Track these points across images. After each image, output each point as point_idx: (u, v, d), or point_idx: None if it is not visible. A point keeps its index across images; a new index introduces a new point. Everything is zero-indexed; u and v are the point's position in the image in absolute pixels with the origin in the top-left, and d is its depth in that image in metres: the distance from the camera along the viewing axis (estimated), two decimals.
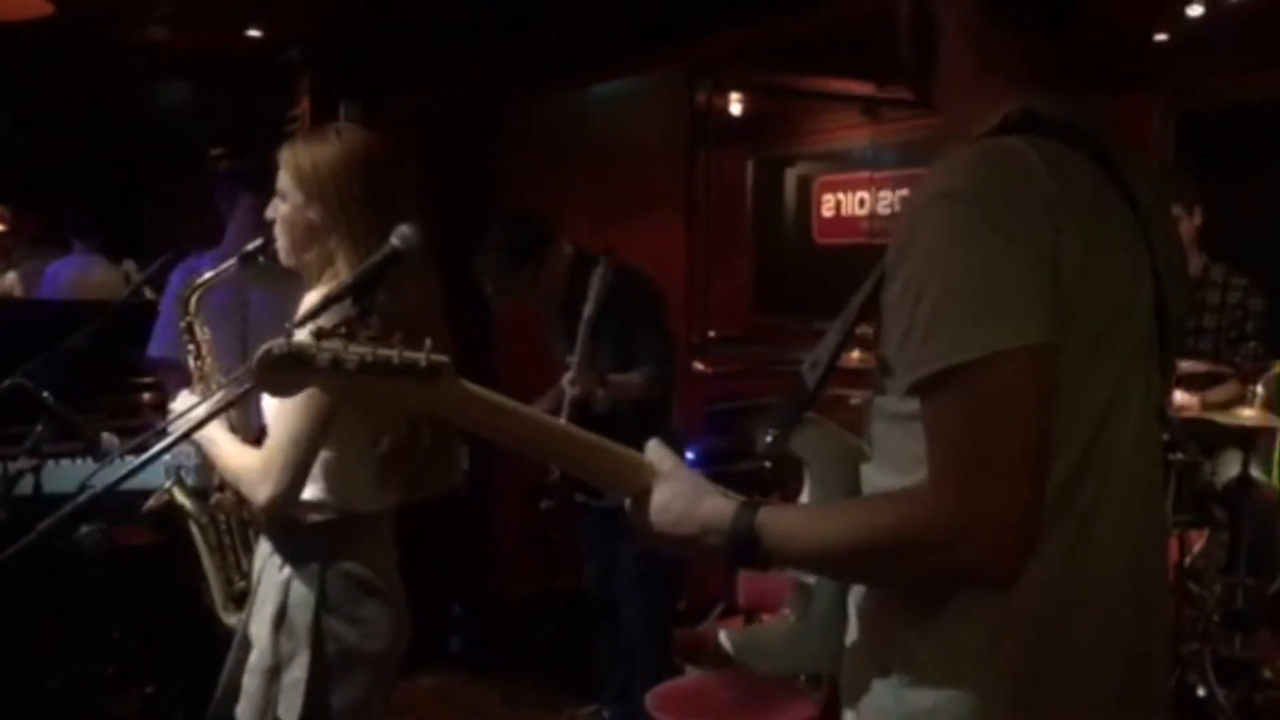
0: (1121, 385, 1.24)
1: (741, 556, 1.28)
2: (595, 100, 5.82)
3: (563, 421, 1.41)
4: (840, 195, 7.62)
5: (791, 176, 7.98)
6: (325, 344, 1.25)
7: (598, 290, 3.69)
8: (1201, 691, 3.56)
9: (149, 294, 4.17)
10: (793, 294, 7.46)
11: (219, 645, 3.79)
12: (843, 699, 1.38)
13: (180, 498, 2.52)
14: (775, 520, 1.27)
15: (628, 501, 1.39)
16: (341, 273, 2.11)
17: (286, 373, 1.24)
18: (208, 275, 2.52)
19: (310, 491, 2.13)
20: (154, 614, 3.91)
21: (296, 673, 2.17)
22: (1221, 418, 3.71)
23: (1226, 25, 4.73)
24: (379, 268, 1.74)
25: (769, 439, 1.41)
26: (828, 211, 7.74)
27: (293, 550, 2.20)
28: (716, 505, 1.31)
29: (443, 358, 1.25)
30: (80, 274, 5.53)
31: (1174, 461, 3.77)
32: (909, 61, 1.41)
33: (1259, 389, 3.78)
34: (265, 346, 1.24)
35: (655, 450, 1.39)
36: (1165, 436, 3.79)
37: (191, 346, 2.54)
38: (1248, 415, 3.64)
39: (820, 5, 4.29)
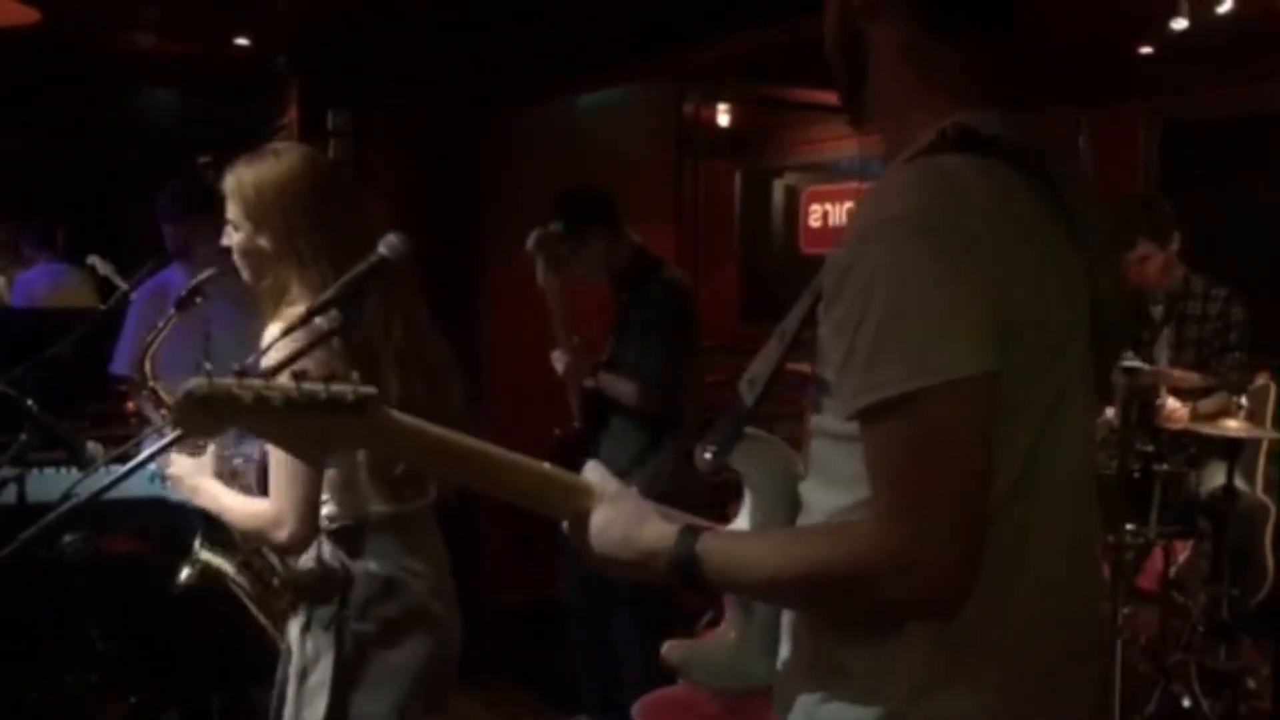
0: (1057, 409, 1.22)
1: (684, 582, 1.27)
2: (584, 110, 5.83)
3: (495, 447, 1.37)
4: (827, 206, 7.63)
5: (779, 187, 8.00)
6: (247, 382, 1.22)
7: (654, 295, 3.70)
8: (1187, 702, 3.57)
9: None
10: (780, 304, 7.37)
11: (202, 654, 3.78)
12: (776, 711, 1.38)
13: (212, 560, 2.40)
14: (716, 547, 1.26)
15: (564, 524, 1.38)
16: (297, 300, 2.08)
17: (209, 414, 1.21)
18: (154, 334, 2.47)
19: (323, 509, 2.14)
20: (137, 623, 3.90)
21: (320, 674, 2.17)
22: (1207, 428, 3.72)
23: (1211, 38, 4.76)
24: (364, 277, 1.74)
25: (708, 456, 1.40)
26: (815, 222, 7.75)
27: (316, 554, 2.20)
28: (658, 530, 1.31)
29: (370, 390, 1.24)
30: (53, 283, 5.50)
31: (1159, 472, 3.78)
32: (840, 80, 1.38)
33: (1244, 400, 3.80)
34: (185, 387, 1.21)
35: (596, 473, 1.38)
36: (1150, 448, 3.85)
37: (163, 411, 2.48)
38: (1233, 426, 3.66)
39: (808, 17, 4.30)
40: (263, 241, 2.16)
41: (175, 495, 2.36)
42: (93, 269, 5.19)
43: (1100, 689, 1.44)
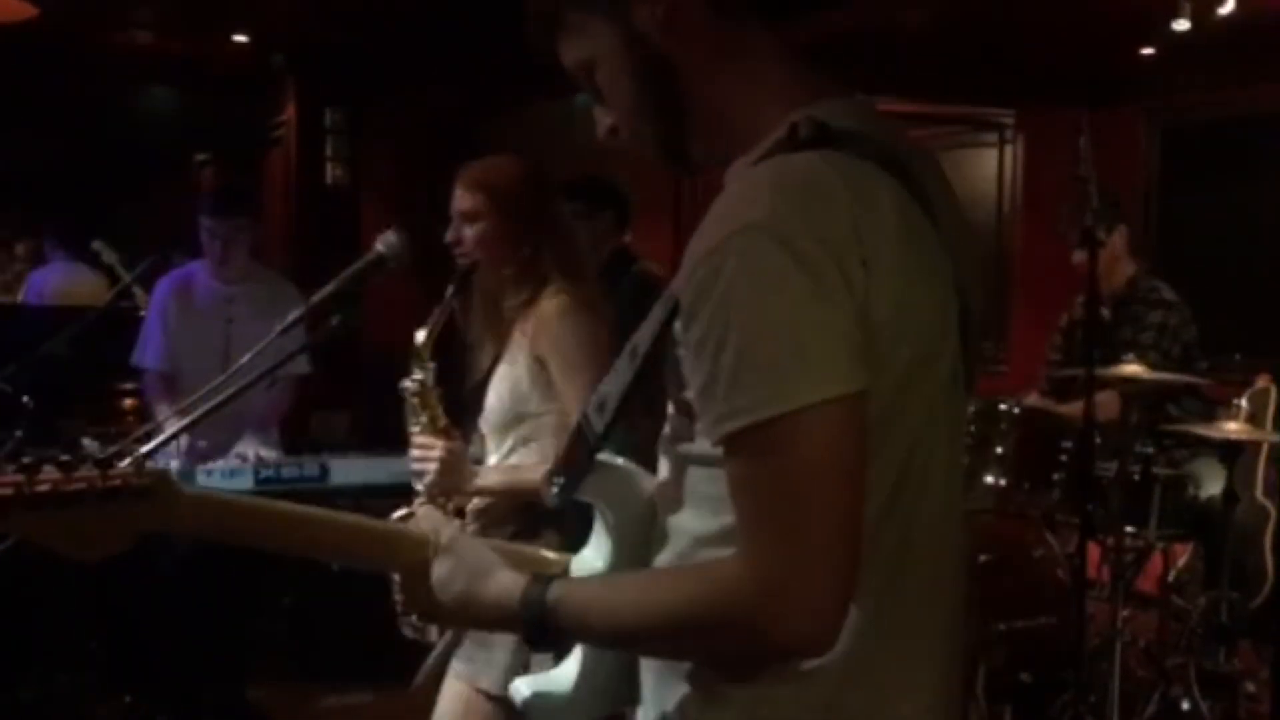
0: (931, 417, 1.15)
1: (536, 638, 1.18)
2: (579, 109, 5.81)
3: (314, 509, 1.29)
4: None
5: None
6: (6, 477, 1.11)
7: (622, 289, 3.72)
8: (1186, 705, 3.56)
9: (139, 294, 4.13)
10: None
11: (196, 654, 3.77)
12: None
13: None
14: (571, 596, 1.16)
15: (396, 579, 1.28)
16: (552, 277, 2.20)
17: None
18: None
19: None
20: (131, 622, 3.88)
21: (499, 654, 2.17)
22: (1207, 431, 3.71)
23: (1212, 40, 4.76)
24: (362, 273, 1.73)
25: (554, 489, 1.26)
26: None
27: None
28: (503, 582, 1.20)
29: (156, 470, 1.15)
30: (64, 281, 5.50)
31: (1158, 475, 3.77)
32: (655, 131, 1.26)
33: (1243, 402, 3.79)
34: None
35: (429, 518, 1.30)
36: (1150, 450, 3.83)
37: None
38: (1232, 429, 3.64)
39: (805, 17, 4.29)
40: (512, 229, 2.23)
41: None
42: (97, 256, 5.18)
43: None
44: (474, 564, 1.23)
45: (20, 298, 5.63)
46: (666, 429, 1.25)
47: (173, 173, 5.95)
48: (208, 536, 1.22)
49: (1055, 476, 3.85)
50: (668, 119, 1.24)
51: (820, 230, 1.05)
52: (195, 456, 3.37)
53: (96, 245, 5.28)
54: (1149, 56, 5.41)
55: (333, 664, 4.42)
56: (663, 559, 1.24)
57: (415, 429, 2.20)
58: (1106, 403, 3.64)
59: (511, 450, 2.24)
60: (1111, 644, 3.57)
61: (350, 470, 3.36)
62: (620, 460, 1.29)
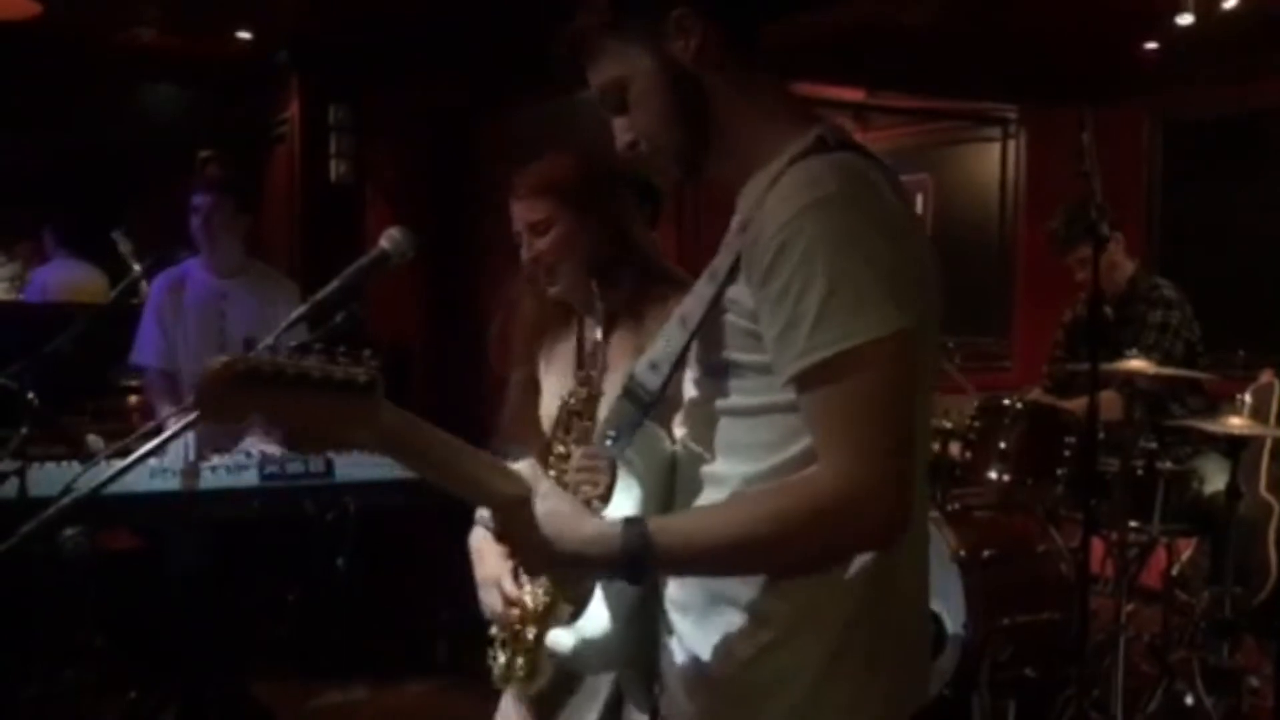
0: (928, 368, 1.39)
1: (632, 566, 1.30)
2: (583, 107, 5.81)
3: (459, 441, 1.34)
4: None
5: None
6: (272, 358, 1.19)
7: None
8: (1189, 700, 3.56)
9: (145, 291, 4.14)
10: None
11: (201, 650, 3.78)
12: (665, 694, 1.45)
13: None
14: (666, 526, 1.32)
15: (489, 514, 1.39)
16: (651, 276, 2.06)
17: (231, 392, 1.18)
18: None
19: None
20: (136, 619, 3.89)
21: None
22: (1210, 426, 3.71)
23: (1216, 35, 4.75)
24: (365, 270, 1.73)
25: (609, 442, 1.43)
26: None
27: None
28: (599, 522, 1.34)
29: (376, 372, 1.21)
30: (67, 278, 5.51)
31: (1162, 470, 3.78)
32: (676, 145, 1.44)
33: (1247, 397, 3.79)
34: (218, 362, 1.17)
35: (530, 468, 1.39)
36: (1154, 445, 3.83)
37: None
38: (1236, 424, 3.64)
39: (809, 11, 4.29)
40: (589, 225, 2.06)
41: None
42: (114, 245, 5.19)
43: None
44: (571, 507, 1.36)
45: (22, 295, 5.65)
46: (693, 393, 1.45)
47: (176, 170, 5.93)
48: (391, 447, 1.29)
49: (1059, 472, 3.86)
50: (692, 133, 1.43)
51: (878, 199, 1.30)
52: (202, 452, 3.38)
53: (115, 235, 5.29)
54: (1152, 51, 5.40)
55: (336, 660, 4.43)
56: (707, 503, 1.41)
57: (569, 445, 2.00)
58: (1108, 401, 3.64)
59: None
60: (1115, 639, 3.57)
61: (355, 467, 3.36)
62: (650, 422, 1.44)
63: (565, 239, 2.06)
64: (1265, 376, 4.18)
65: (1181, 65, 5.46)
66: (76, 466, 2.96)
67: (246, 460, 3.26)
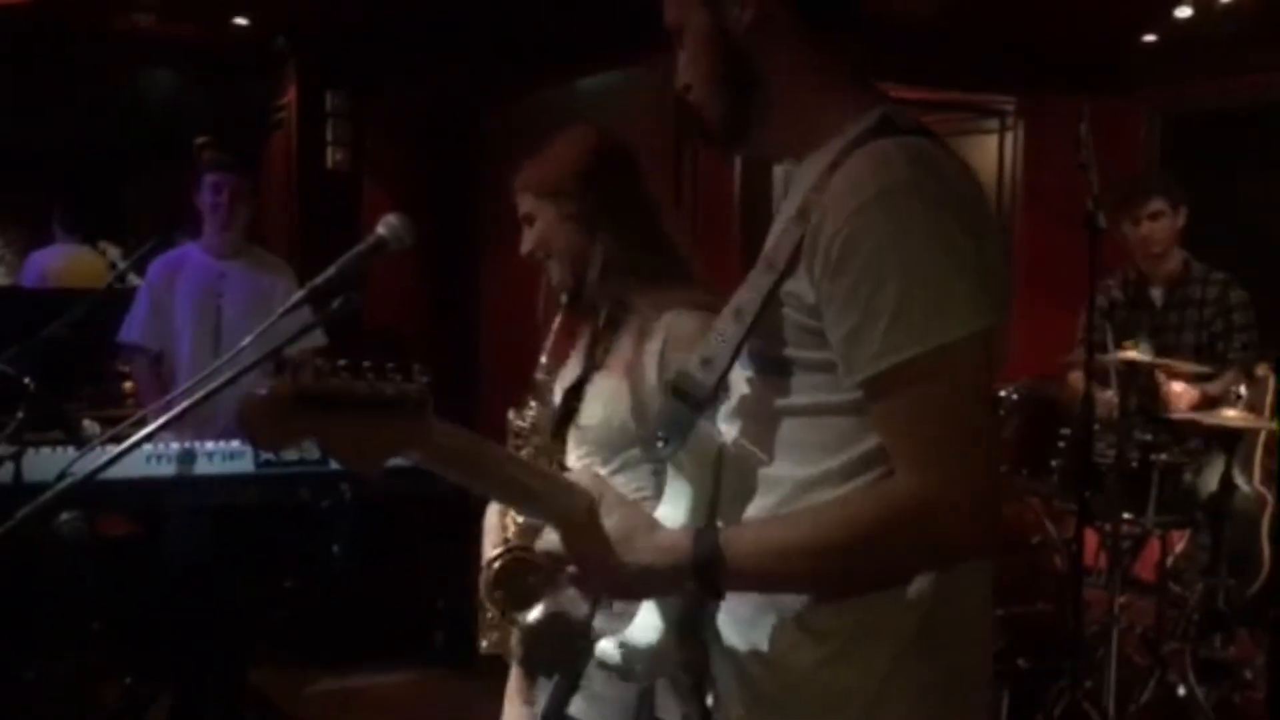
0: (997, 360, 1.29)
1: (704, 579, 1.25)
2: (582, 95, 5.80)
3: (513, 454, 1.35)
4: None
5: (779, 173, 7.99)
6: (326, 381, 1.14)
7: None
8: (1182, 691, 3.57)
9: (135, 279, 4.15)
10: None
11: (198, 636, 3.78)
12: (722, 701, 1.38)
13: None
14: (738, 537, 1.26)
15: (555, 534, 1.32)
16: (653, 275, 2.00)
17: (282, 418, 1.13)
18: None
19: None
20: (133, 604, 3.90)
21: None
22: (1206, 419, 3.72)
23: (1214, 28, 4.75)
24: (363, 257, 1.73)
25: (661, 445, 1.34)
26: None
27: None
28: (669, 533, 1.30)
29: (425, 388, 1.18)
30: (65, 262, 5.50)
31: (1156, 462, 3.79)
32: (721, 108, 1.37)
33: (1243, 390, 3.80)
34: (249, 391, 1.13)
35: (591, 477, 1.37)
36: (1149, 437, 3.84)
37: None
38: (1231, 416, 3.65)
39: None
40: (564, 224, 2.03)
41: None
42: (103, 253, 5.20)
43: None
44: (640, 518, 1.32)
45: (19, 279, 5.64)
46: (745, 391, 1.36)
47: (173, 156, 5.92)
48: (445, 463, 1.26)
49: (1054, 463, 3.87)
50: (736, 101, 1.36)
51: (955, 188, 1.23)
52: (198, 436, 3.38)
53: (103, 245, 5.32)
54: (1150, 44, 5.39)
55: (332, 648, 4.44)
56: (760, 506, 1.33)
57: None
58: (1183, 395, 3.74)
59: (618, 470, 1.95)
60: (1108, 630, 3.58)
61: None
62: (707, 424, 1.37)
63: (543, 234, 2.05)
64: (1261, 369, 4.18)
65: (1180, 57, 5.46)
66: (72, 452, 2.96)
67: (242, 446, 3.26)
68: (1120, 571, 3.71)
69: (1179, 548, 4.08)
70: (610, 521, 1.30)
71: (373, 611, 4.50)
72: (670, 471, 1.38)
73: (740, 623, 1.35)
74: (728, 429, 1.39)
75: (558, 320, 2.07)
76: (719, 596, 1.29)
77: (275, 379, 1.13)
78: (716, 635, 1.38)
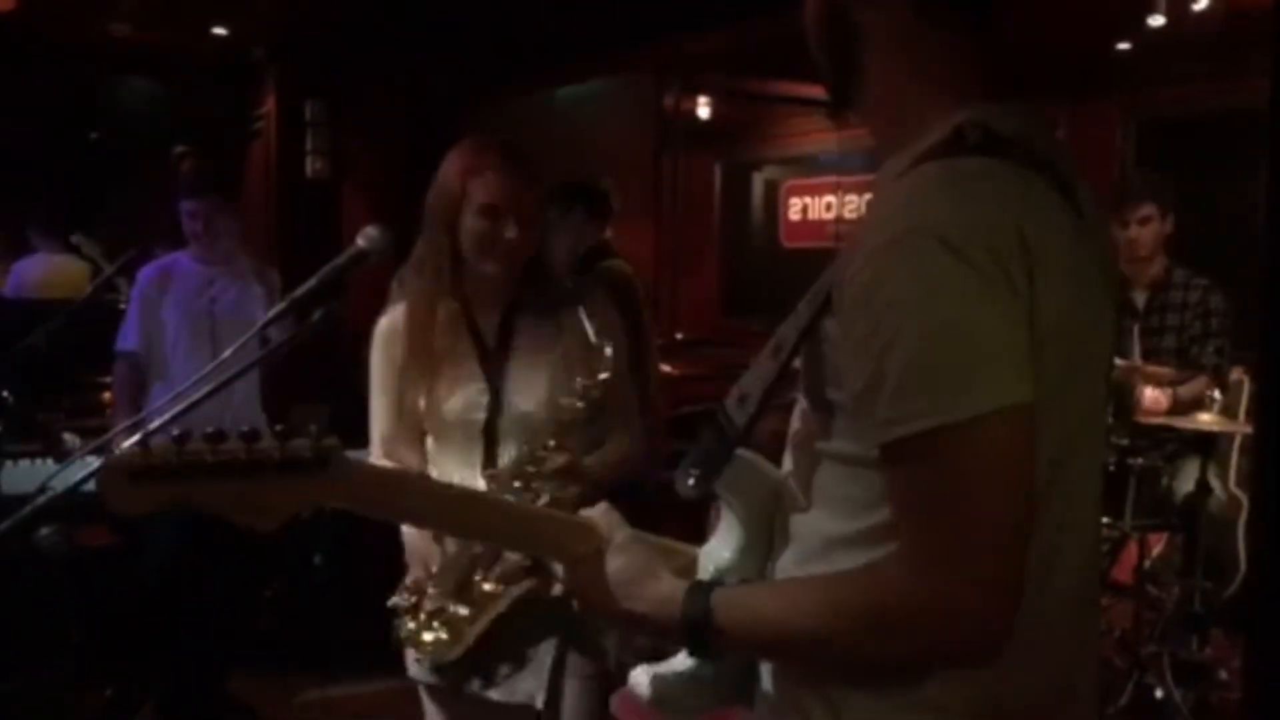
0: (1083, 426, 1.17)
1: (693, 639, 1.19)
2: (563, 102, 5.82)
3: (482, 493, 1.33)
4: (807, 199, 7.66)
5: (759, 180, 8.01)
6: (190, 447, 1.08)
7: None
8: (1159, 693, 3.60)
9: (121, 286, 4.13)
10: (760, 297, 7.49)
11: (178, 647, 3.77)
12: None
13: None
14: (730, 601, 1.18)
15: (561, 568, 1.29)
16: None
17: (141, 486, 1.07)
18: None
19: None
20: (113, 616, 3.88)
21: None
22: (1181, 423, 3.75)
23: (1187, 36, 4.80)
24: (343, 269, 1.73)
25: (691, 481, 1.27)
26: (795, 215, 7.77)
27: None
28: (670, 584, 1.22)
29: (332, 441, 1.13)
30: (45, 271, 5.47)
31: (1133, 466, 3.82)
32: (824, 70, 1.28)
33: (1217, 394, 3.83)
34: (112, 458, 1.08)
35: (606, 516, 1.30)
36: (1125, 441, 3.87)
37: None
38: (1207, 420, 3.69)
39: (789, 11, 4.30)
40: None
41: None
42: (77, 249, 5.16)
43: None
44: (644, 564, 1.25)
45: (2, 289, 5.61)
46: (797, 424, 1.26)
47: (153, 165, 5.91)
48: (374, 512, 1.22)
49: None
50: (835, 70, 1.26)
51: (990, 237, 1.04)
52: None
53: (76, 239, 5.26)
54: (1125, 52, 5.45)
55: (315, 657, 4.42)
56: (787, 558, 1.25)
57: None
58: (1155, 401, 3.76)
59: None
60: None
61: None
62: (749, 453, 1.29)
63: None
64: (1236, 373, 4.22)
65: (1154, 65, 5.52)
66: (51, 464, 2.95)
67: None
68: (1098, 574, 3.73)
69: (1156, 551, 4.11)
70: (615, 564, 1.25)
71: (355, 621, 4.48)
72: (724, 510, 1.31)
73: (777, 681, 1.26)
74: (787, 463, 1.29)
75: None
76: (710, 657, 1.22)
77: (130, 448, 1.08)
78: (758, 675, 1.30)
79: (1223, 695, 3.70)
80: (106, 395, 4.54)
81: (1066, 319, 1.09)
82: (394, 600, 2.18)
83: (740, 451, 1.27)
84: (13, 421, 2.93)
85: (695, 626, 1.17)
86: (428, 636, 2.11)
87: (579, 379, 2.05)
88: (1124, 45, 5.37)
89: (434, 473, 2.19)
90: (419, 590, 2.13)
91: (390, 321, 2.24)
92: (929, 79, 1.19)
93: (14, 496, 2.67)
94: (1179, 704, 3.58)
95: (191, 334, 3.82)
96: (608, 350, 2.05)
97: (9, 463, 2.93)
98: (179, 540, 3.56)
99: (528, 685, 2.15)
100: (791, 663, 1.22)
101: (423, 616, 2.11)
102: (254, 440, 1.08)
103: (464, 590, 2.07)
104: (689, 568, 1.30)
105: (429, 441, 2.21)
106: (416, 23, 4.95)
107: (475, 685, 2.17)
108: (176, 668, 3.79)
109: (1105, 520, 3.76)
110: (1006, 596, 1.04)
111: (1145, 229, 4.11)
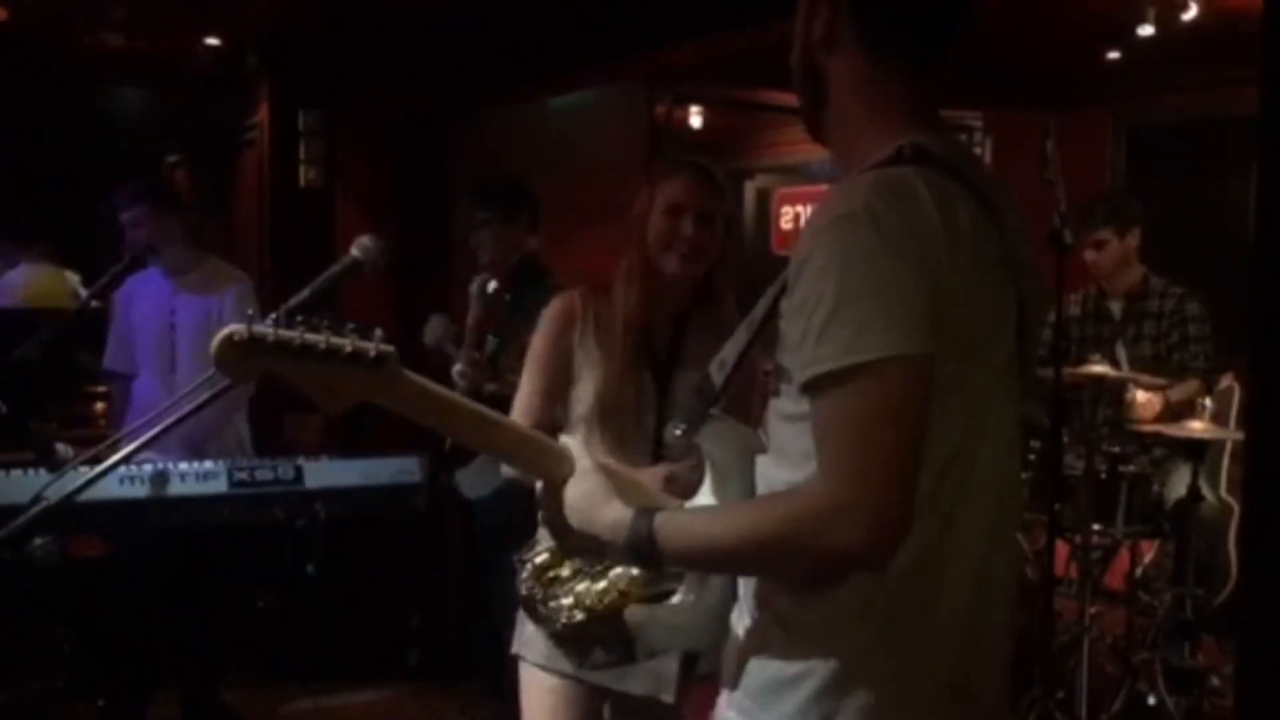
0: (986, 402, 1.36)
1: (638, 555, 1.40)
2: (555, 112, 5.82)
3: (495, 413, 1.54)
4: (799, 207, 7.66)
5: (750, 189, 8.03)
6: (284, 331, 1.32)
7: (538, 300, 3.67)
8: (1152, 700, 3.61)
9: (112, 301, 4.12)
10: (751, 304, 7.48)
11: (169, 657, 3.76)
12: (722, 679, 1.49)
13: None
14: (671, 521, 1.38)
15: (539, 486, 1.56)
16: None
17: (245, 357, 1.31)
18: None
19: None
20: (105, 625, 3.87)
21: None
22: (1172, 430, 3.77)
23: (1176, 45, 4.82)
24: (337, 278, 1.74)
25: (677, 433, 1.54)
26: (786, 223, 7.77)
27: None
28: (616, 511, 1.44)
29: (389, 347, 1.36)
30: (24, 282, 5.46)
31: (1125, 474, 3.83)
32: (803, 104, 1.51)
33: (1208, 402, 3.85)
34: (226, 330, 1.30)
35: (575, 447, 1.56)
36: (1116, 449, 3.88)
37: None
38: (1198, 427, 3.70)
39: (780, 19, 4.31)
40: None
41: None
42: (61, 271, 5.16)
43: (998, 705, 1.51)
44: (601, 492, 1.48)
45: None
46: (772, 393, 1.46)
47: (145, 175, 5.90)
48: (412, 414, 1.44)
49: (1024, 475, 3.90)
50: (809, 104, 1.50)
51: (906, 220, 1.28)
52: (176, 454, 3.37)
53: (72, 280, 5.29)
54: (1115, 60, 5.47)
55: (307, 666, 4.42)
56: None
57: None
58: (1147, 404, 3.78)
59: None
60: (1079, 640, 3.62)
61: (324, 473, 3.37)
62: (723, 414, 1.54)
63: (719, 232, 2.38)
64: (1226, 380, 4.24)
65: (1143, 73, 5.54)
66: (44, 473, 2.95)
67: (215, 467, 3.26)
68: (1090, 581, 3.75)
69: (1148, 557, 4.13)
70: (574, 491, 1.50)
71: (348, 630, 4.49)
72: (705, 458, 1.53)
73: (744, 608, 1.47)
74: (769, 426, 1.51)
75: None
76: (655, 569, 1.42)
77: (234, 327, 1.31)
78: (734, 616, 1.49)
79: (1215, 702, 3.72)
80: (99, 405, 4.54)
81: (972, 300, 1.31)
82: (526, 556, 2.22)
83: (717, 412, 1.53)
84: (5, 431, 2.92)
85: (639, 544, 1.38)
86: (552, 603, 2.17)
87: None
88: (1114, 54, 5.39)
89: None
90: (555, 552, 2.18)
91: (567, 306, 2.37)
92: (879, 113, 1.42)
93: (7, 506, 2.68)
94: (1171, 711, 3.59)
95: (154, 351, 3.82)
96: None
97: (1, 473, 2.92)
98: (172, 551, 3.56)
99: (650, 680, 2.19)
100: (720, 570, 1.46)
101: (550, 576, 2.18)
102: (337, 332, 1.33)
103: (604, 571, 2.14)
104: (648, 501, 1.51)
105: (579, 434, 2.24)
106: (410, 32, 4.96)
107: (596, 660, 2.21)
108: (168, 678, 3.79)
109: (1096, 527, 3.77)
110: (896, 509, 1.23)
111: (1101, 253, 4.19)
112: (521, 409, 2.31)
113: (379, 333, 1.35)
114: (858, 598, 1.33)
